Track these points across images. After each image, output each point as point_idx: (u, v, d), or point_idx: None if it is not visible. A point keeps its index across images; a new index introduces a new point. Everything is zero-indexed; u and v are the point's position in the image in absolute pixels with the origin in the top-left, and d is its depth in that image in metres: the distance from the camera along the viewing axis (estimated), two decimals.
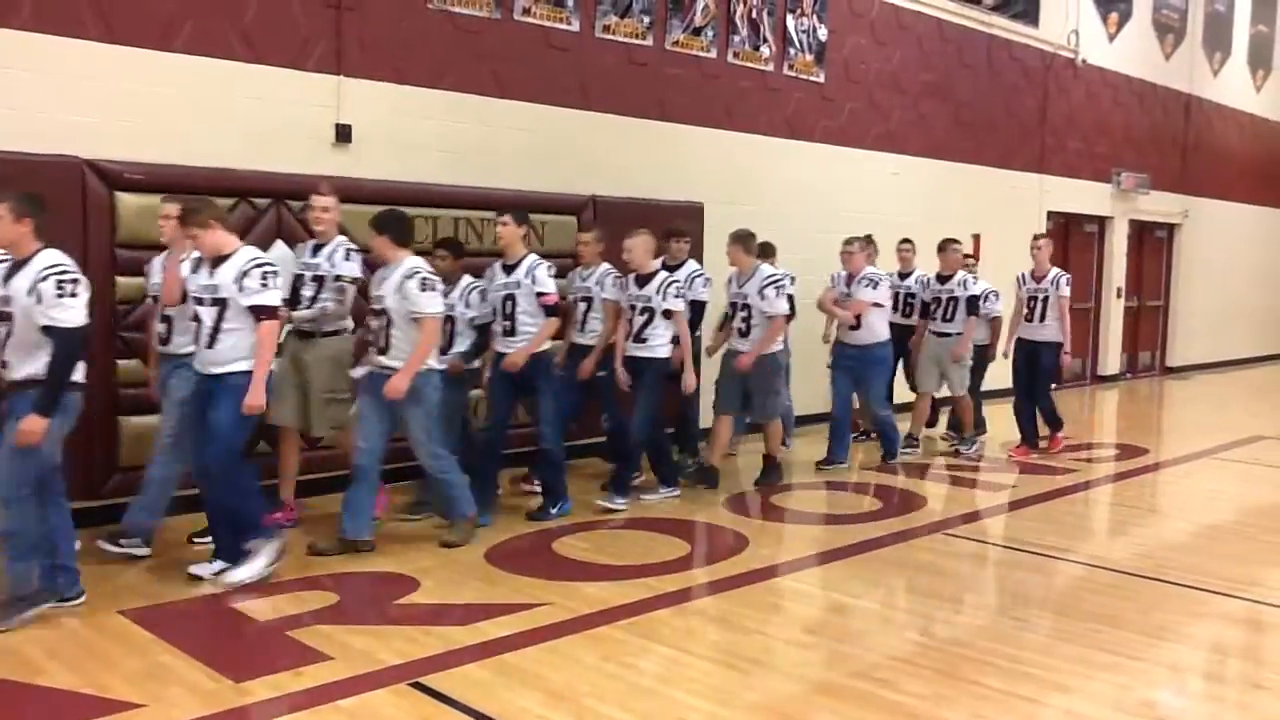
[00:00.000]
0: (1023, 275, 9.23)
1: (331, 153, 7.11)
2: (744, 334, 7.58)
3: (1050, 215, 13.50)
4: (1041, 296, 9.00)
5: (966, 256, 9.82)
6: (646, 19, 8.82)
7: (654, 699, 4.10)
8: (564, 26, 8.29)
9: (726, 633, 4.97)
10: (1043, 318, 8.97)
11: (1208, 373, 16.71)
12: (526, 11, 8.05)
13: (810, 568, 5.88)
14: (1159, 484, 8.94)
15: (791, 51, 10.02)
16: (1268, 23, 18.25)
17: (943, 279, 9.28)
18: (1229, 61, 17.15)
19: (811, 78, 10.23)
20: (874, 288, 8.42)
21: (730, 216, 9.40)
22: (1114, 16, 14.34)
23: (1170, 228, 16.18)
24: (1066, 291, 9.06)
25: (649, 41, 8.87)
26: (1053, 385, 9.47)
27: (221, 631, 4.79)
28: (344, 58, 7.14)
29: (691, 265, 7.84)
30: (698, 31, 9.22)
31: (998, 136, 12.54)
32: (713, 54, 9.36)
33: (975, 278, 9.40)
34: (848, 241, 8.66)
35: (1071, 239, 14.24)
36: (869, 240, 8.83)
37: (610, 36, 8.62)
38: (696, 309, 7.57)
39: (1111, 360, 15.06)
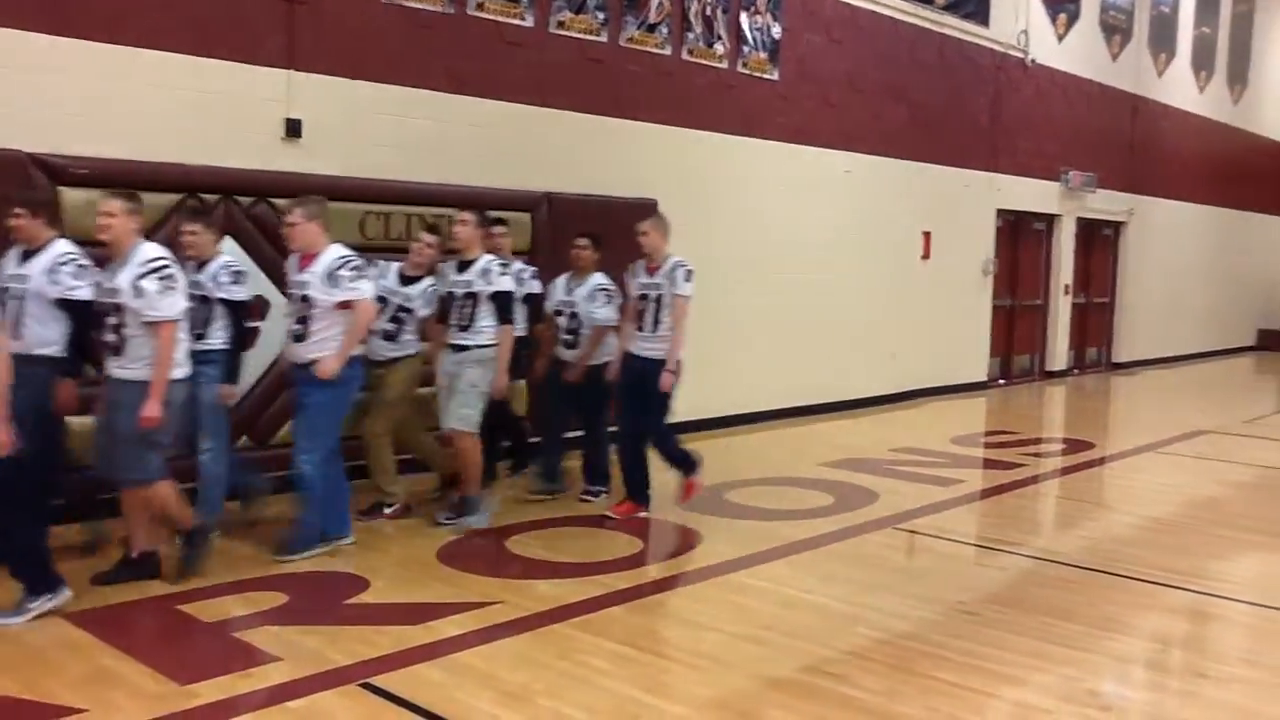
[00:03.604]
0: (633, 268, 6.85)
1: (282, 148, 7.01)
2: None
3: (1000, 213, 13.65)
4: (654, 295, 6.67)
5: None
6: (601, 15, 8.79)
7: (608, 696, 4.09)
8: (518, 22, 8.25)
9: (680, 629, 4.97)
10: (655, 325, 6.65)
11: (1153, 368, 16.99)
12: (480, 6, 8.00)
13: (763, 563, 5.89)
14: (1105, 478, 9.08)
15: (745, 49, 10.04)
16: (1211, 25, 18.57)
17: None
18: (1174, 63, 17.44)
19: (766, 75, 10.26)
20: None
21: (685, 213, 9.41)
22: (1063, 17, 14.52)
23: (1117, 226, 16.43)
24: (686, 289, 6.68)
25: (603, 38, 8.85)
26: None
27: (168, 634, 4.71)
28: (295, 52, 7.05)
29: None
30: (652, 28, 9.21)
31: (949, 135, 12.66)
32: (667, 51, 9.35)
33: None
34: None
35: (1021, 237, 14.41)
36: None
37: (565, 33, 8.58)
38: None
39: (1059, 356, 15.27)
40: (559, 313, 7.15)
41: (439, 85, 7.80)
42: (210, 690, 3.99)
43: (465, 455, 6.33)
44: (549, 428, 7.39)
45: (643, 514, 6.82)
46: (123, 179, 6.02)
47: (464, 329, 6.32)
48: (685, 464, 6.89)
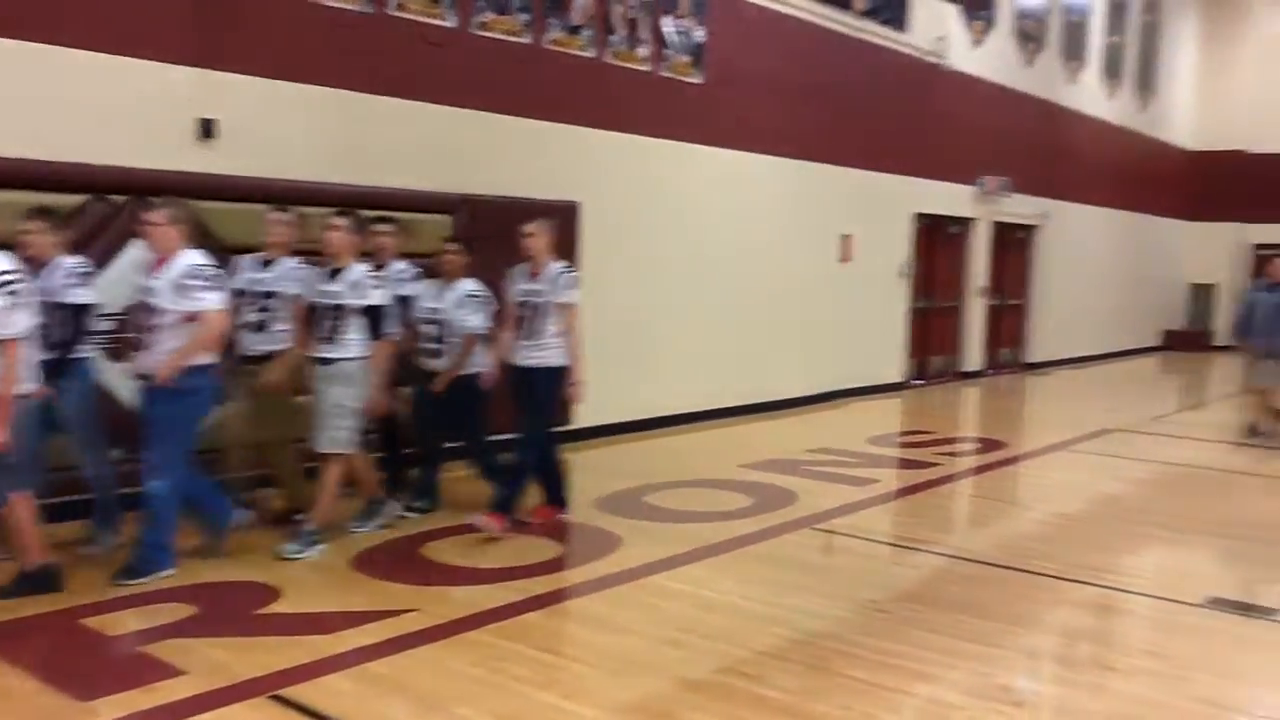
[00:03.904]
0: (513, 272, 6.60)
1: (195, 148, 6.84)
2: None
3: (917, 216, 13.87)
4: (537, 302, 6.40)
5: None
6: (524, 16, 8.74)
7: (525, 702, 4.06)
8: (439, 22, 8.17)
9: (597, 633, 4.96)
10: (538, 332, 6.39)
11: (1064, 368, 17.41)
12: (401, 6, 7.90)
13: (682, 565, 5.90)
14: (1017, 476, 9.27)
15: (668, 52, 10.06)
16: (1120, 35, 19.10)
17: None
18: (1085, 70, 17.89)
19: (688, 79, 10.29)
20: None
21: (608, 216, 9.44)
22: (978, 24, 14.81)
23: (1030, 229, 16.80)
24: (571, 296, 6.42)
25: (527, 39, 8.80)
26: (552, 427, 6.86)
27: (68, 648, 4.56)
28: (210, 50, 6.88)
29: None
30: (575, 30, 9.18)
31: (869, 139, 12.83)
32: (590, 53, 9.34)
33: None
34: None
35: (937, 240, 14.66)
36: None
37: (487, 33, 8.52)
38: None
39: (974, 357, 15.57)
40: (426, 321, 6.70)
41: (359, 85, 7.68)
42: (110, 707, 3.87)
43: (327, 478, 5.96)
44: (421, 443, 6.99)
45: (562, 516, 6.74)
46: (23, 180, 5.85)
47: (328, 341, 5.91)
48: (504, 479, 6.61)
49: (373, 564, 5.73)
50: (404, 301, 6.59)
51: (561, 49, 9.08)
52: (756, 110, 11.10)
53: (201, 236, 5.88)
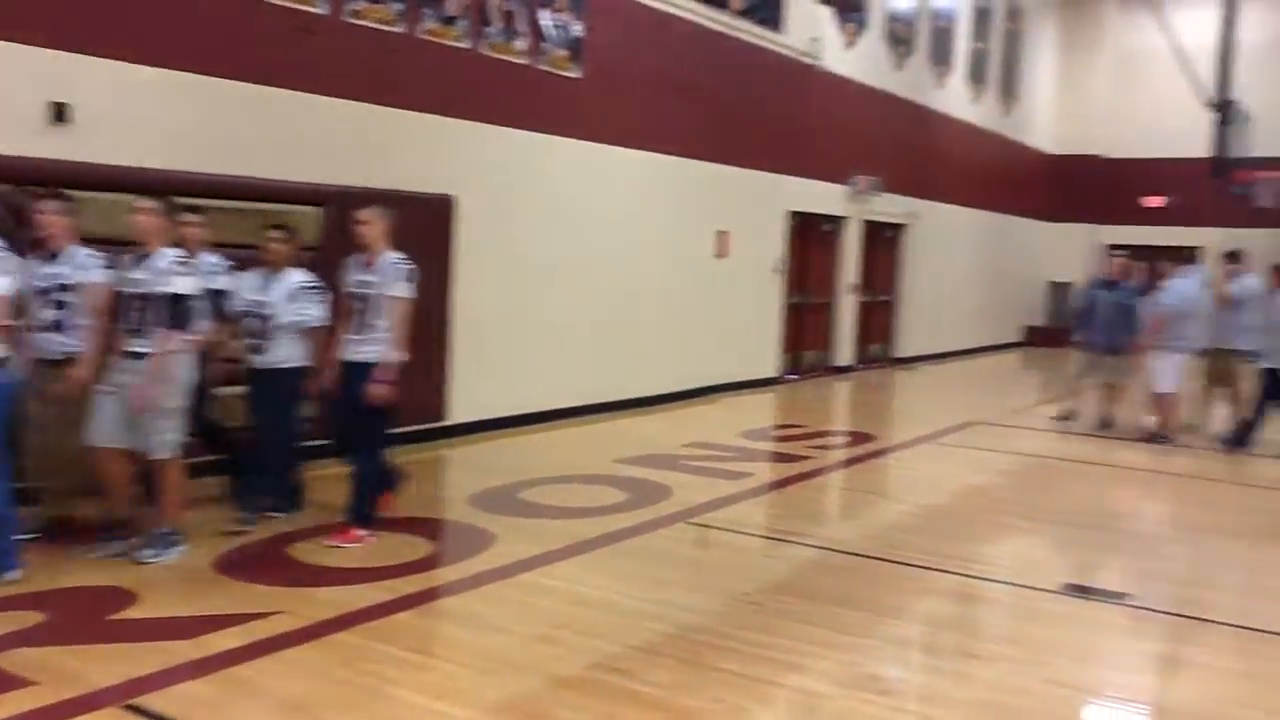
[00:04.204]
0: (348, 263, 6.24)
1: (48, 133, 6.50)
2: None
3: (791, 214, 14.10)
4: (369, 294, 6.05)
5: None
6: (398, 5, 8.57)
7: (393, 704, 3.99)
8: (310, 9, 7.94)
9: (470, 632, 4.90)
10: (369, 327, 6.02)
11: (931, 363, 17.93)
12: None
13: (556, 562, 5.87)
14: (885, 468, 9.51)
15: (546, 46, 10.00)
16: (984, 41, 19.74)
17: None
18: (952, 75, 18.45)
19: (566, 73, 10.25)
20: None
21: (484, 210, 9.33)
22: (851, 26, 15.12)
23: (899, 228, 17.24)
24: (403, 289, 6.04)
25: (400, 29, 8.62)
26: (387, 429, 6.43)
27: None
28: (63, 30, 6.55)
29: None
30: (450, 21, 9.05)
31: (745, 137, 12.98)
32: (466, 44, 9.21)
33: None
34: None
35: (810, 237, 14.93)
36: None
37: (360, 22, 8.32)
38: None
39: (845, 352, 15.92)
40: (247, 314, 6.20)
41: (224, 72, 7.41)
42: None
43: (166, 481, 5.59)
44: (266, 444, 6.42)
45: (366, 537, 6.05)
46: None
47: (135, 334, 5.48)
48: (385, 483, 6.41)
49: (236, 566, 5.55)
50: (216, 296, 6.12)
51: (436, 39, 8.94)
52: (634, 106, 11.13)
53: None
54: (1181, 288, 10.45)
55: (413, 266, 6.10)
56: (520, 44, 9.69)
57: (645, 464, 8.56)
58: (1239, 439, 10.33)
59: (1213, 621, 5.47)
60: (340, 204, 8.08)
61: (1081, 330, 11.14)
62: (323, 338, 6.30)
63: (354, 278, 6.12)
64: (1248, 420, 10.34)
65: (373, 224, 6.09)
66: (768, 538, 6.93)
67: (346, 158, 8.20)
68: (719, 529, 6.83)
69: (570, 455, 9.06)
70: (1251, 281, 10.59)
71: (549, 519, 6.81)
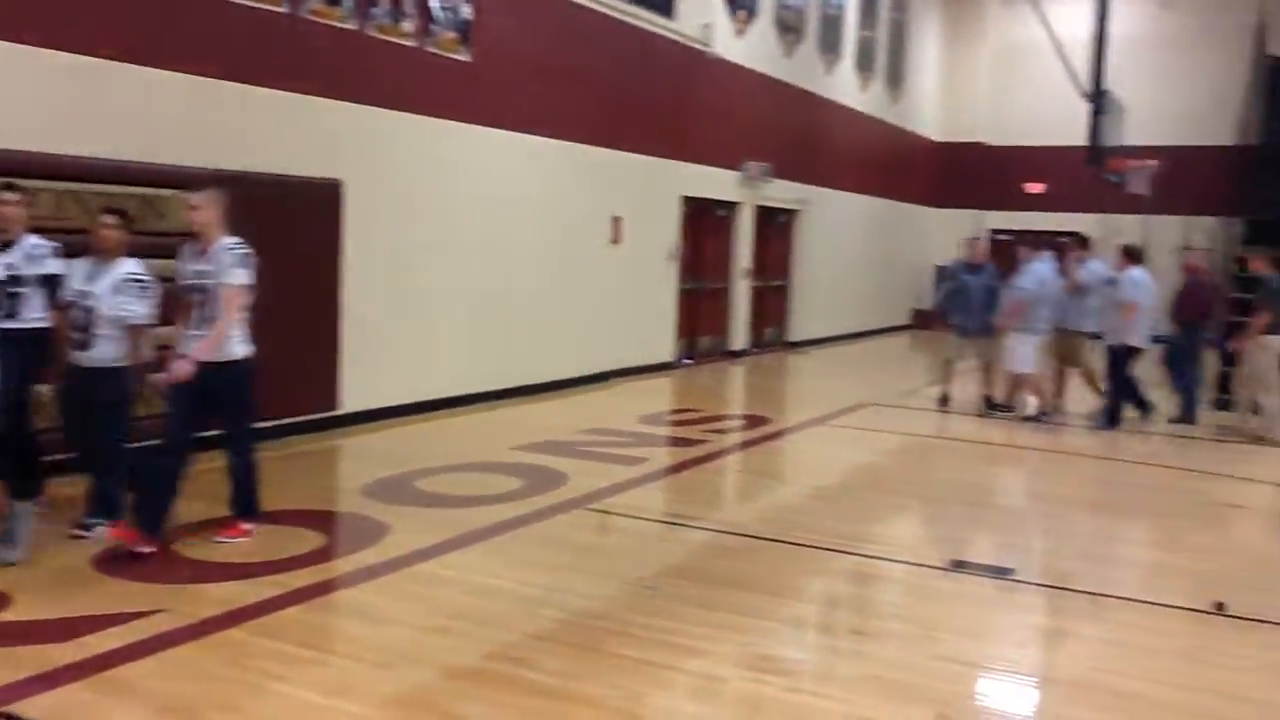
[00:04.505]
0: (182, 251, 5.81)
1: None
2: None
3: (685, 200, 14.16)
4: (206, 284, 5.64)
5: None
6: None
7: (281, 701, 3.90)
8: None
9: (362, 625, 4.81)
10: (209, 320, 5.62)
11: (823, 346, 18.22)
12: None
13: (451, 551, 5.80)
14: (780, 451, 9.63)
15: (435, 28, 9.82)
16: (871, 30, 20.08)
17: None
18: (841, 63, 18.72)
19: (456, 56, 10.09)
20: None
21: (373, 195, 9.15)
22: (742, 13, 15.22)
23: (791, 213, 17.46)
24: (238, 276, 5.63)
25: (283, 8, 8.37)
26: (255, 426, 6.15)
27: None
28: None
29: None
30: (336, 1, 8.82)
31: (638, 123, 12.98)
32: (352, 25, 8.99)
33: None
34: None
35: (704, 223, 15.02)
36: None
37: (242, 1, 8.05)
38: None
39: (740, 337, 16.08)
40: (73, 304, 5.64)
41: (101, 51, 7.09)
42: None
43: None
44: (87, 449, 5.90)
45: (251, 529, 5.83)
46: None
47: None
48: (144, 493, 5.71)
49: (117, 563, 5.33)
50: (48, 281, 5.65)
51: (320, 19, 8.71)
52: (526, 90, 11.02)
53: None
54: (1038, 272, 10.85)
55: (250, 251, 5.64)
56: (408, 26, 9.51)
57: (542, 450, 8.51)
58: (1110, 419, 10.74)
59: (1088, 593, 5.67)
60: (220, 189, 7.84)
61: (953, 314, 11.45)
62: (145, 336, 5.73)
63: (189, 268, 5.66)
64: (1112, 400, 10.81)
65: (205, 209, 5.61)
66: (664, 522, 6.95)
67: (227, 141, 7.94)
68: (616, 514, 6.82)
69: (466, 443, 8.97)
70: (1097, 266, 11.14)
71: (444, 508, 6.73)
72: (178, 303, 5.71)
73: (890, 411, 11.63)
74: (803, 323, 18.05)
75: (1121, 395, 10.77)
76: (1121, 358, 10.62)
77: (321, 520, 6.43)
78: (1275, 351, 10.19)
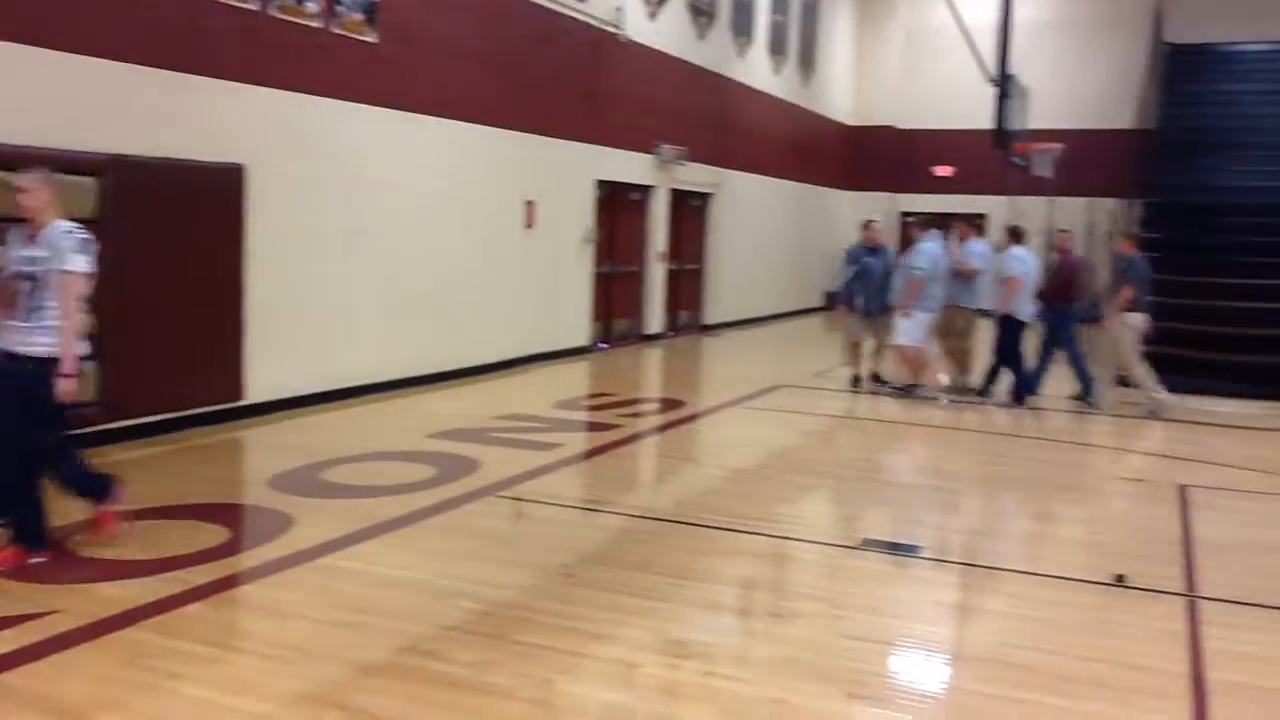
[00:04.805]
0: (10, 237, 5.34)
1: None
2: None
3: (600, 183, 14.09)
4: (35, 272, 5.11)
5: None
6: None
7: (179, 702, 3.77)
8: None
9: (266, 621, 4.69)
10: (36, 312, 5.08)
11: (738, 329, 18.33)
12: None
13: (360, 543, 5.69)
14: (695, 433, 9.65)
15: (340, 9, 9.59)
16: (784, 13, 20.18)
17: None
18: (753, 46, 18.78)
19: (363, 37, 9.87)
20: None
21: (276, 180, 8.92)
22: None
23: (705, 197, 17.50)
24: (77, 263, 5.11)
25: None
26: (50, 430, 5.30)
27: None
28: None
29: None
30: None
31: (551, 106, 12.85)
32: (253, 6, 8.73)
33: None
34: None
35: (619, 206, 14.97)
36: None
37: None
38: None
39: (655, 320, 16.08)
40: None
41: None
42: None
43: None
44: None
45: (36, 560, 5.15)
46: None
47: None
48: (94, 488, 5.52)
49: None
50: None
51: (222, 0, 8.45)
52: (435, 73, 10.84)
53: None
54: (929, 251, 11.08)
55: (88, 236, 5.21)
56: (312, 6, 9.27)
57: (454, 438, 8.41)
58: (1018, 395, 11.01)
59: (994, 568, 5.78)
60: (119, 173, 7.60)
61: (857, 295, 11.60)
62: None
63: (16, 254, 5.18)
64: (1009, 372, 11.15)
65: (35, 192, 5.16)
66: (579, 508, 6.91)
67: (124, 124, 7.67)
68: (530, 501, 6.76)
69: (377, 432, 8.82)
70: (978, 246, 11.60)
71: (353, 498, 6.60)
72: (2, 292, 5.18)
73: (803, 393, 11.73)
74: (718, 306, 18.12)
75: (1010, 368, 11.14)
76: (1010, 331, 10.98)
77: (224, 514, 6.25)
78: (1135, 328, 10.79)
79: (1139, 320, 10.81)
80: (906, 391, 11.33)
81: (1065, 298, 11.35)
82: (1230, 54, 21.35)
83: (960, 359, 11.72)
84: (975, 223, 12.31)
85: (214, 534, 5.79)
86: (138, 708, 3.71)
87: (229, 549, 5.64)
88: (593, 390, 12.06)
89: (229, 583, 5.11)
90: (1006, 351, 11.08)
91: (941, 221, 12.31)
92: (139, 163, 7.74)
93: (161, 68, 7.93)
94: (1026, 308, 11.03)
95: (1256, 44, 21.31)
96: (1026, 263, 11.09)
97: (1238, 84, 20.57)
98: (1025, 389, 11.19)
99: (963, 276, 11.27)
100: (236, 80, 8.57)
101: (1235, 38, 21.29)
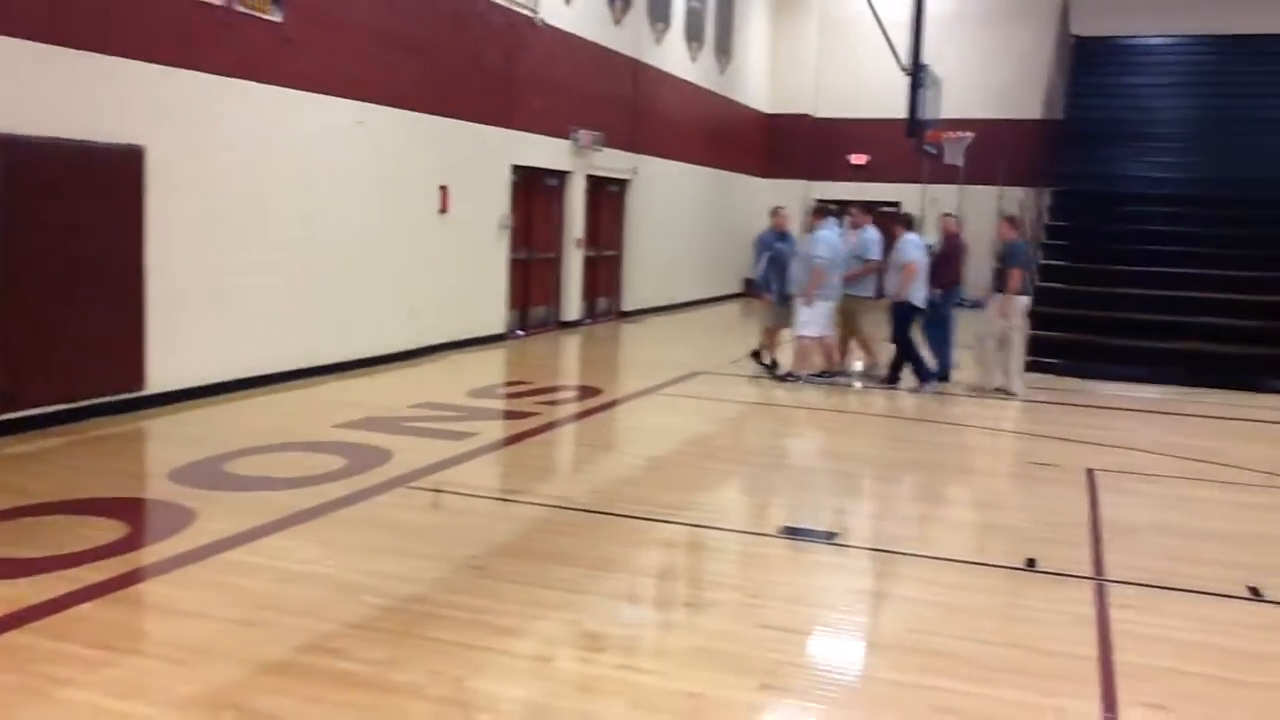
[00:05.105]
0: None
1: None
2: None
3: (515, 169, 13.91)
4: None
5: None
6: None
7: (65, 708, 3.59)
8: None
9: (163, 621, 4.51)
10: None
11: (657, 315, 18.30)
12: None
13: (265, 537, 5.50)
14: (612, 421, 9.58)
15: None
16: (700, 0, 20.12)
17: None
18: (669, 32, 18.70)
19: (267, 16, 9.56)
20: None
21: (179, 162, 8.61)
22: None
23: (623, 183, 17.40)
24: None
25: None
26: None
27: None
28: None
29: None
30: None
31: (465, 90, 12.63)
32: None
33: None
34: None
35: (535, 192, 14.81)
36: None
37: None
38: None
39: (573, 307, 15.96)
40: None
41: None
42: None
43: None
44: None
45: None
46: None
47: None
48: None
49: None
50: None
51: None
52: (344, 54, 10.56)
53: None
54: (829, 239, 11.18)
55: None
56: None
57: (366, 427, 8.21)
58: (921, 379, 11.23)
59: (909, 554, 5.80)
60: (11, 154, 7.26)
61: (772, 281, 11.64)
62: None
63: None
64: (907, 358, 11.33)
65: None
66: (492, 498, 6.80)
67: (15, 103, 7.32)
68: (442, 492, 6.63)
69: (285, 422, 8.58)
70: (871, 234, 11.83)
71: (258, 491, 6.39)
72: None
73: (721, 379, 11.73)
74: (636, 292, 18.06)
75: (906, 354, 11.32)
76: (904, 317, 11.15)
77: (123, 509, 6.01)
78: (1021, 310, 11.10)
79: (1025, 303, 11.15)
80: (816, 380, 11.38)
81: (953, 281, 11.57)
82: (1132, 47, 21.91)
83: (865, 345, 11.87)
84: (869, 209, 12.45)
85: (110, 530, 5.56)
86: (20, 715, 3.52)
87: (126, 545, 5.41)
88: (509, 378, 11.91)
89: (125, 581, 4.89)
90: (902, 337, 11.24)
91: (822, 207, 12.43)
92: (32, 143, 7.40)
93: (55, 44, 7.58)
94: (920, 293, 11.14)
95: (1157, 37, 21.90)
96: (920, 249, 11.21)
97: (1140, 76, 21.14)
98: (938, 373, 11.36)
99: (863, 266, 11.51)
100: (135, 59, 8.24)
101: (1137, 31, 21.86)
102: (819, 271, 11.01)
